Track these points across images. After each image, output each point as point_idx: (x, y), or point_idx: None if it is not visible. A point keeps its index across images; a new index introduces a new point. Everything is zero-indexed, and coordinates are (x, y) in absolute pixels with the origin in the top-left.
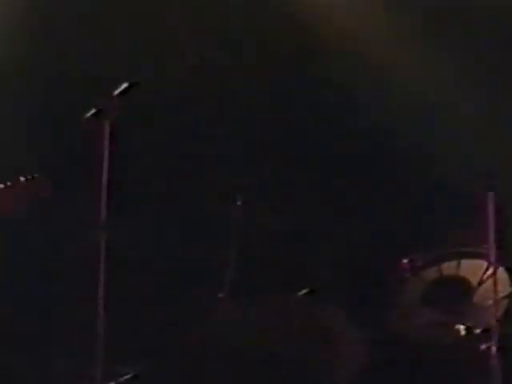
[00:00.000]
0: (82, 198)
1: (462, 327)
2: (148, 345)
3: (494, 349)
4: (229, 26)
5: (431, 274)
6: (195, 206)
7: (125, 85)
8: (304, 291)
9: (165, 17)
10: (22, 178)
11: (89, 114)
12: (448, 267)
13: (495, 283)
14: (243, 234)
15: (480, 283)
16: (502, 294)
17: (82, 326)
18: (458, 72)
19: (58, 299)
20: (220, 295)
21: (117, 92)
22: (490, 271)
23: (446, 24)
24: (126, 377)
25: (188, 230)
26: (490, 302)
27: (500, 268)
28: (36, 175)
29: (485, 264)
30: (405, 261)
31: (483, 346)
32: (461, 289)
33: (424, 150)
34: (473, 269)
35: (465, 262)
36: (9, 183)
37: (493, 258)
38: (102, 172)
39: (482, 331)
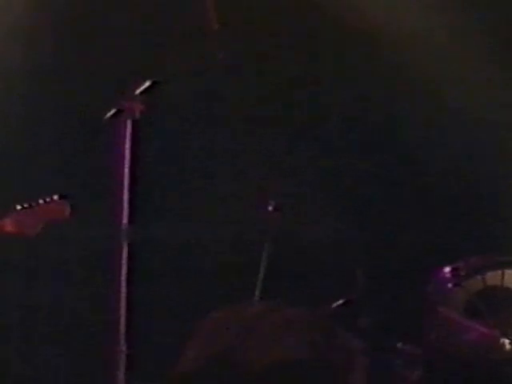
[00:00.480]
0: (104, 202)
1: (506, 341)
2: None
3: None
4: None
5: (475, 284)
6: (226, 210)
7: (147, 83)
8: (340, 302)
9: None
10: (41, 201)
11: (110, 114)
12: (492, 277)
13: None
14: (275, 240)
15: None
16: None
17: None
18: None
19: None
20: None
21: (139, 91)
22: None
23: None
24: None
25: (218, 234)
26: None
27: None
28: (55, 197)
29: None
30: (447, 270)
31: None
32: (506, 300)
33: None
34: None
35: (508, 272)
36: (26, 205)
37: None
38: (124, 174)
39: None
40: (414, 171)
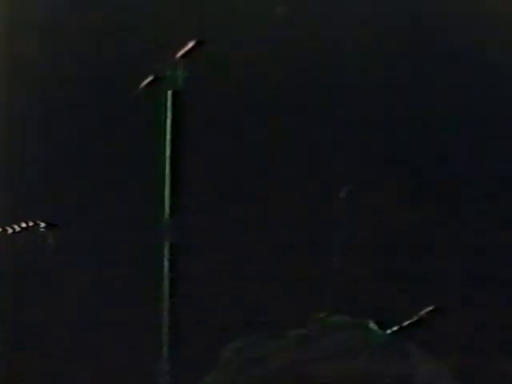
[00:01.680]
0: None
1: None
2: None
3: None
4: None
5: None
6: (296, 195)
7: (191, 44)
8: (428, 309)
9: None
10: (23, 224)
11: (147, 82)
12: None
13: None
14: (347, 229)
15: None
16: None
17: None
18: None
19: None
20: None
21: (181, 53)
22: None
23: None
24: None
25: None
26: None
27: None
28: (39, 222)
29: None
30: None
31: None
32: None
33: None
34: None
35: None
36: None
37: None
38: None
39: None
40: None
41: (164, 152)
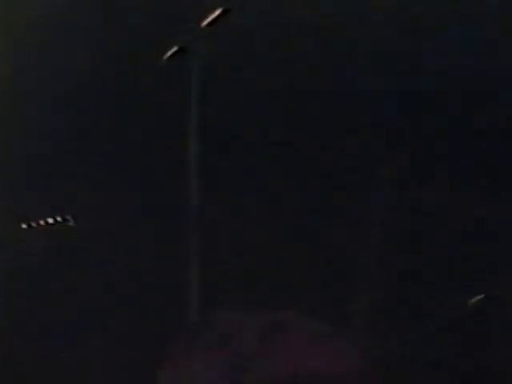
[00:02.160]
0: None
1: None
2: None
3: None
4: None
5: None
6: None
7: (217, 12)
8: (478, 297)
9: None
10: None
11: (171, 53)
12: None
13: None
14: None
15: None
16: None
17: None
18: None
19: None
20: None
21: (206, 22)
22: None
23: None
24: None
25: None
26: None
27: None
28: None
29: None
30: None
31: None
32: None
33: None
34: None
35: None
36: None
37: None
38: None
39: None
40: None
41: (190, 125)
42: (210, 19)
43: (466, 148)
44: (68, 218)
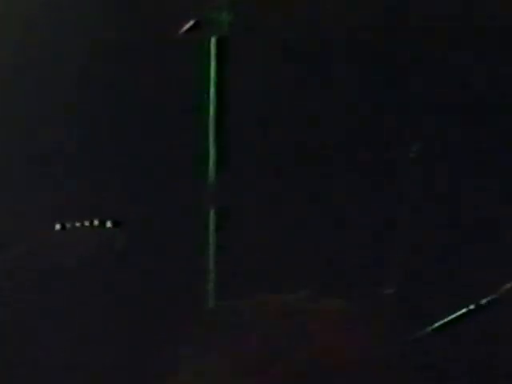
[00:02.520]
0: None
1: None
2: None
3: None
4: None
5: None
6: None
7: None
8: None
9: None
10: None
11: (188, 27)
12: None
13: None
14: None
15: None
16: None
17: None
18: None
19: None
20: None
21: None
22: None
23: None
24: None
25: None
26: None
27: None
28: (108, 222)
29: None
30: None
31: None
32: None
33: None
34: None
35: None
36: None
37: None
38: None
39: None
40: None
41: (208, 105)
42: None
43: None
44: (107, 220)
